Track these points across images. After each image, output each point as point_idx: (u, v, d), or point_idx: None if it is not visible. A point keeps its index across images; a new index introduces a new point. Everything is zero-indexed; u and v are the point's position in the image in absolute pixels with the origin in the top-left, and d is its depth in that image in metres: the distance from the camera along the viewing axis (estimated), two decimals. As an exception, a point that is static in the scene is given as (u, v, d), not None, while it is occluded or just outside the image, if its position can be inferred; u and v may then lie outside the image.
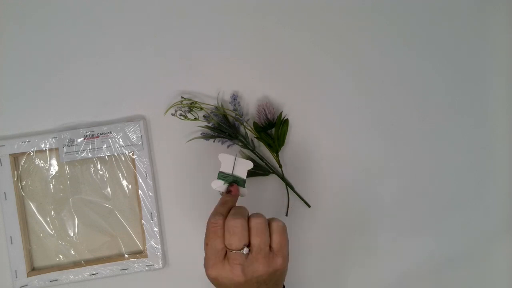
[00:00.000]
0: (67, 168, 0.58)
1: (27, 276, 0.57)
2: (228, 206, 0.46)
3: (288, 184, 0.60)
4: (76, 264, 0.58)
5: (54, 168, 0.58)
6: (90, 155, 0.57)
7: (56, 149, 0.58)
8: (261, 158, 0.59)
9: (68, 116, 0.59)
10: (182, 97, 0.59)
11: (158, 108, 0.59)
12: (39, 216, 0.58)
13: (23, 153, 0.58)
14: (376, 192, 0.61)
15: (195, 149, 0.60)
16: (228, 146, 0.59)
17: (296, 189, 0.60)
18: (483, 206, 0.63)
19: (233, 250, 0.42)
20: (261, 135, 0.58)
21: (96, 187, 0.59)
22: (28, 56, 0.59)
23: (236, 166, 0.50)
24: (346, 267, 0.62)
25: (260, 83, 0.60)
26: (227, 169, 0.50)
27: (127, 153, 0.58)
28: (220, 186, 0.50)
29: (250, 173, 0.59)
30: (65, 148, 0.57)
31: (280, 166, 0.59)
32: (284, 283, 0.48)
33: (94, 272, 0.57)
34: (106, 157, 0.58)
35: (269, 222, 0.45)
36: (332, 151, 0.61)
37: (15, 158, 0.58)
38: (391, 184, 0.62)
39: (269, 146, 0.59)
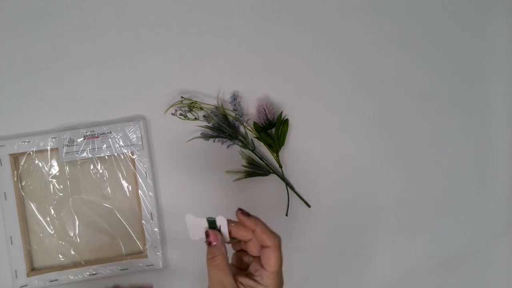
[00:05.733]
0: (67, 168, 0.58)
1: (27, 276, 0.56)
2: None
3: (288, 184, 0.59)
4: (76, 264, 0.58)
5: (54, 168, 0.58)
6: (90, 155, 0.57)
7: (56, 149, 0.58)
8: (261, 158, 0.59)
9: (68, 116, 0.59)
10: (182, 97, 0.59)
11: (158, 108, 0.59)
12: (39, 216, 0.58)
13: (23, 153, 0.58)
14: (376, 192, 0.61)
15: (195, 149, 0.60)
16: (228, 146, 0.59)
17: (296, 189, 0.60)
18: (483, 206, 0.63)
19: None
20: (261, 135, 0.58)
21: (96, 187, 0.59)
22: (28, 56, 0.59)
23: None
24: (346, 267, 0.62)
25: (260, 83, 0.60)
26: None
27: (127, 153, 0.58)
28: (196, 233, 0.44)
29: (250, 173, 0.59)
30: (65, 148, 0.57)
31: (280, 166, 0.59)
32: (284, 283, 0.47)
33: (94, 272, 0.57)
34: (106, 157, 0.58)
35: None
36: (332, 151, 0.61)
37: (15, 158, 0.58)
38: (391, 184, 0.61)
39: (269, 146, 0.59)
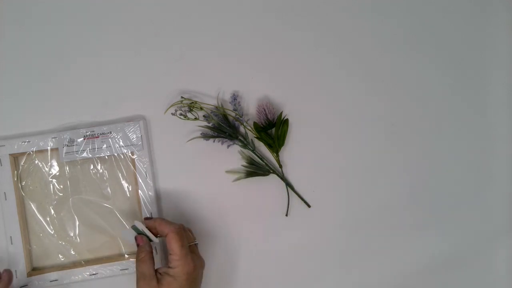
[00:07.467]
0: (67, 168, 0.58)
1: (27, 276, 0.56)
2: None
3: (288, 184, 0.60)
4: (76, 264, 0.58)
5: (54, 168, 0.58)
6: (90, 155, 0.57)
7: (56, 149, 0.58)
8: (261, 158, 0.59)
9: (68, 116, 0.59)
10: (182, 97, 0.59)
11: (158, 108, 0.59)
12: (39, 216, 0.58)
13: (23, 153, 0.58)
14: (376, 192, 0.61)
15: (195, 149, 0.60)
16: (228, 146, 0.59)
17: (296, 189, 0.60)
18: (483, 206, 0.63)
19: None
20: (261, 135, 0.58)
21: (96, 187, 0.59)
22: (28, 56, 0.59)
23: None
24: (346, 267, 0.62)
25: (260, 83, 0.60)
26: (140, 226, 0.53)
27: (127, 153, 0.58)
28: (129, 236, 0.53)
29: (250, 173, 0.59)
30: (65, 148, 0.57)
31: (280, 166, 0.59)
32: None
33: (94, 272, 0.57)
34: (106, 157, 0.58)
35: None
36: (332, 151, 0.61)
37: (15, 158, 0.58)
38: (391, 184, 0.61)
39: (269, 146, 0.59)
